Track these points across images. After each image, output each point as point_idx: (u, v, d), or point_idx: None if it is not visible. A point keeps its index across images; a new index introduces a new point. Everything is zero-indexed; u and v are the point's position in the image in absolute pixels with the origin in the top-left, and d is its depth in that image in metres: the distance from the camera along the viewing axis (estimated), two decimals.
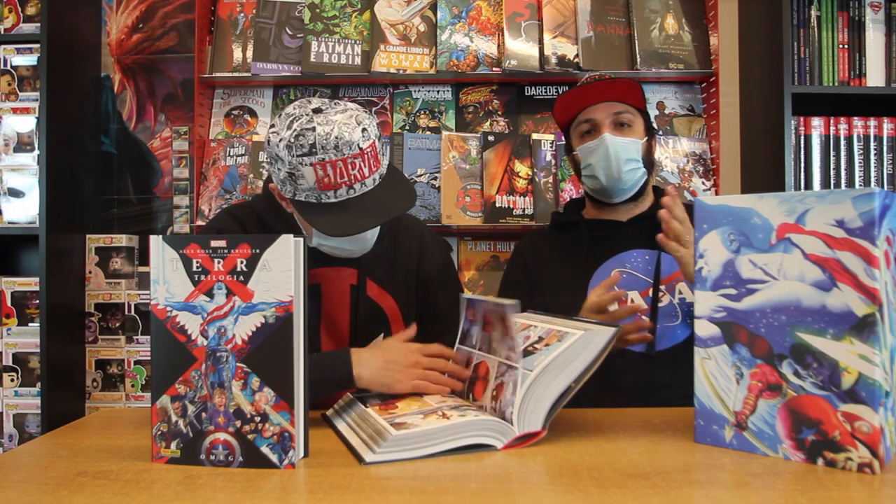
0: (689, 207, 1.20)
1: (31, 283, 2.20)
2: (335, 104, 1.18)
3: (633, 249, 1.42)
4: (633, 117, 1.44)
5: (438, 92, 2.40)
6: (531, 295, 1.46)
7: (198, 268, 0.87)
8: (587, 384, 0.95)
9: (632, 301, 1.38)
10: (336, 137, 1.11)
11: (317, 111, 1.15)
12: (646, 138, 1.46)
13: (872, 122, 2.13)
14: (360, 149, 1.13)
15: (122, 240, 2.33)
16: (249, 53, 2.35)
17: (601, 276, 1.40)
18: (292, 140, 1.12)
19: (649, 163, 1.46)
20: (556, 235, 1.54)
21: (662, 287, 1.38)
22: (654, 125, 1.50)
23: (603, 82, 1.43)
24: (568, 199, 1.57)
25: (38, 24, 2.20)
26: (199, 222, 2.27)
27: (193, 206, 2.33)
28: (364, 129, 1.14)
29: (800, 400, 0.84)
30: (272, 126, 1.18)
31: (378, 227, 1.29)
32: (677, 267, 1.36)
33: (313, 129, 1.11)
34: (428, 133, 2.35)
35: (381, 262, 1.36)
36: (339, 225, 1.14)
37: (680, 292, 1.38)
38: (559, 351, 0.95)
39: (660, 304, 1.37)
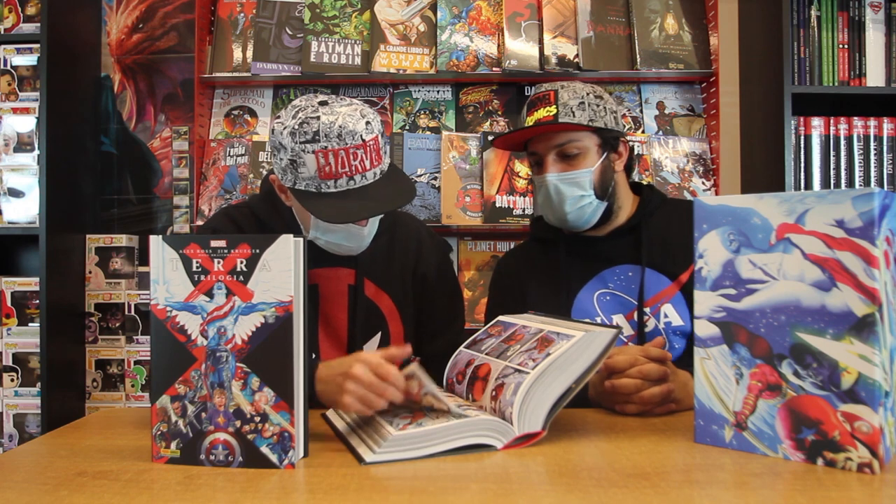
0: (689, 205, 1.18)
1: (31, 283, 2.20)
2: (341, 99, 1.20)
3: (615, 266, 1.35)
4: (582, 142, 1.30)
5: (438, 92, 2.40)
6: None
7: (198, 268, 0.87)
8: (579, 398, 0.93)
9: (616, 324, 1.31)
10: (340, 126, 1.13)
11: (322, 103, 1.18)
12: (602, 157, 1.32)
13: (872, 122, 2.12)
14: (363, 140, 1.15)
15: (122, 240, 2.33)
16: (249, 53, 2.35)
17: (584, 300, 1.35)
18: (296, 127, 1.14)
19: (604, 187, 1.32)
20: (536, 252, 1.46)
21: (647, 310, 1.31)
22: (618, 125, 1.35)
23: (540, 127, 1.30)
24: None
25: (38, 24, 2.20)
26: (199, 222, 2.27)
27: (193, 206, 2.33)
28: (368, 122, 1.16)
29: (799, 400, 0.84)
30: (278, 117, 1.20)
31: (377, 224, 1.29)
32: (662, 286, 1.32)
33: (318, 118, 1.14)
34: (428, 133, 2.35)
35: (377, 262, 1.36)
36: (337, 212, 1.15)
37: (665, 315, 1.31)
38: (560, 352, 0.95)
39: (645, 329, 1.30)
